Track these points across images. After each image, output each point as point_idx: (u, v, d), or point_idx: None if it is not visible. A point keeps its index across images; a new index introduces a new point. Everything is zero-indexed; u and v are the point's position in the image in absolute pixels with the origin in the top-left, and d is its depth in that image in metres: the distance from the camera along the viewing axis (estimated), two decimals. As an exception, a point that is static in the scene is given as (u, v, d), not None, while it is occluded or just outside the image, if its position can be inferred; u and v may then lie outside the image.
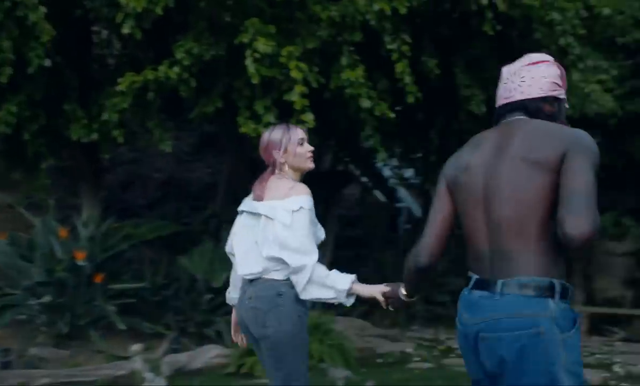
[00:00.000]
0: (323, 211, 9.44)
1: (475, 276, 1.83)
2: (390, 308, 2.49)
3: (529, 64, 1.91)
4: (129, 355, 5.98)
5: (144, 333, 6.40)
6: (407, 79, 4.75)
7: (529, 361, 1.66)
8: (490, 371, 1.75)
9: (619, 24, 6.86)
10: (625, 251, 10.06)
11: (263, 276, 2.56)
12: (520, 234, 1.73)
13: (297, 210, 2.52)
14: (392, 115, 4.96)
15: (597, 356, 7.64)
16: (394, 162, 11.18)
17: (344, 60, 4.69)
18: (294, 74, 4.34)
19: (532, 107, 1.87)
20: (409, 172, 10.00)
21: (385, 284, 2.51)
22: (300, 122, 4.61)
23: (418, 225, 11.92)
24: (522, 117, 1.88)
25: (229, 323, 6.67)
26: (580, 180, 1.66)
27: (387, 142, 6.31)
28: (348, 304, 2.58)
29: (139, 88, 4.78)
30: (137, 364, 5.60)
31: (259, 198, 2.62)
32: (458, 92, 5.42)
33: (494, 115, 1.99)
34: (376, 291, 2.51)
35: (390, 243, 11.06)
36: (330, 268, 2.60)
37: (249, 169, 8.37)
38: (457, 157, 1.97)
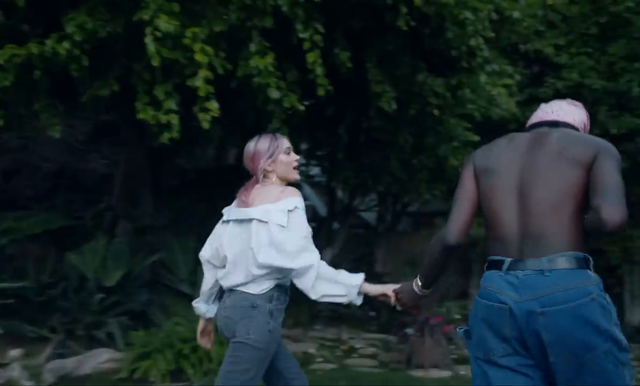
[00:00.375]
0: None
1: (508, 258, 1.98)
2: (399, 308, 2.55)
3: (567, 102, 2.33)
4: (6, 362, 5.41)
5: (25, 337, 5.84)
6: (319, 70, 4.56)
7: (592, 325, 1.85)
8: (547, 342, 1.88)
9: (523, 30, 7.07)
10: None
11: (240, 289, 2.58)
12: (556, 217, 1.96)
13: (292, 210, 2.54)
14: (302, 107, 4.76)
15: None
16: (300, 159, 11.05)
17: (252, 47, 4.43)
18: (199, 57, 4.02)
19: (562, 126, 2.18)
20: (314, 170, 9.86)
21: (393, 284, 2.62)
22: (203, 110, 4.31)
23: (323, 224, 11.92)
24: (545, 128, 2.18)
25: (122, 324, 6.23)
26: (613, 178, 1.91)
27: (295, 137, 6.11)
28: (358, 303, 2.62)
29: (22, 64, 4.27)
30: (15, 372, 5.07)
31: (245, 205, 2.63)
32: (369, 88, 5.31)
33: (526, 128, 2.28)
34: (386, 289, 2.61)
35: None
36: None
37: (147, 161, 7.91)
38: (489, 149, 2.20)
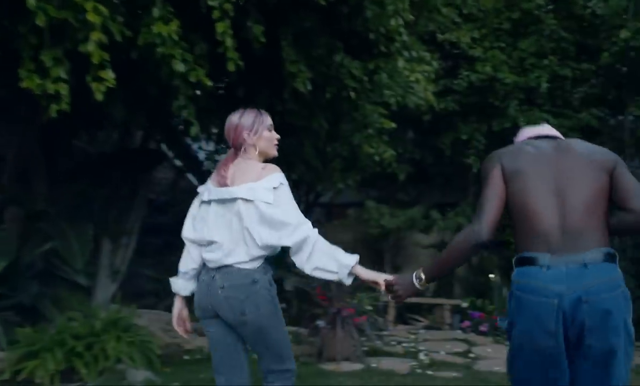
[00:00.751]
0: (130, 193, 8.58)
1: (547, 254, 2.14)
2: (390, 298, 2.58)
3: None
4: None
5: None
6: (228, 42, 4.20)
7: (621, 313, 2.10)
8: (583, 328, 2.08)
9: (441, 18, 7.02)
10: (431, 243, 10.55)
11: (239, 265, 2.61)
12: (590, 216, 2.18)
13: (278, 187, 2.58)
14: (210, 83, 4.38)
15: (404, 344, 7.79)
16: (211, 147, 10.60)
17: (155, 12, 4.00)
18: (91, 17, 3.55)
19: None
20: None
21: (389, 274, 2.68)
22: (97, 80, 3.85)
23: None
24: (550, 140, 2.43)
25: (6, 320, 5.58)
26: (638, 185, 2.24)
27: (204, 119, 5.72)
28: (347, 283, 2.65)
29: None
30: None
31: (224, 184, 2.65)
32: (283, 68, 5.00)
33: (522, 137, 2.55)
34: (378, 277, 2.64)
35: (203, 230, 10.46)
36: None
37: (41, 141, 7.23)
38: (514, 153, 2.35)
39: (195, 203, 2.82)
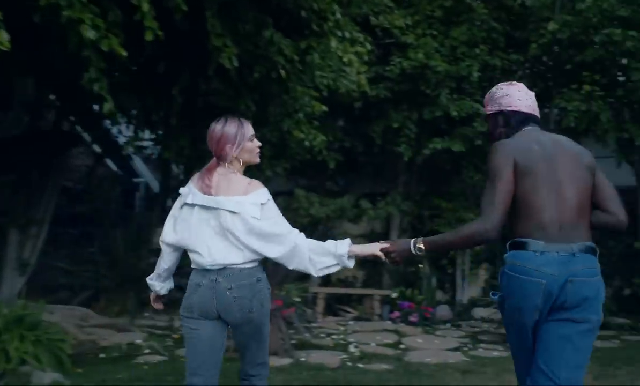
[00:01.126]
0: (40, 180, 7.92)
1: (539, 241, 2.42)
2: (389, 262, 2.84)
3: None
4: None
5: None
6: (145, 7, 3.78)
7: (598, 297, 2.48)
8: (566, 305, 2.43)
9: (375, 0, 6.79)
10: (360, 232, 10.41)
11: (240, 266, 2.73)
12: (582, 213, 2.51)
13: (265, 203, 2.74)
14: (124, 53, 3.94)
15: (334, 337, 7.58)
16: (130, 132, 10.01)
17: (60, -32, 3.53)
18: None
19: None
20: (147, 143, 8.88)
21: (381, 241, 2.89)
22: (-10, 43, 3.36)
23: (156, 202, 10.97)
24: (537, 127, 2.69)
25: None
26: (613, 188, 2.65)
27: (120, 97, 5.24)
28: (351, 266, 2.81)
29: None
30: None
31: (208, 192, 2.74)
32: (208, 42, 4.61)
33: (514, 117, 2.68)
34: (373, 249, 2.82)
35: (123, 220, 9.90)
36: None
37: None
38: (527, 149, 2.52)
39: (177, 204, 2.89)
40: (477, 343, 7.54)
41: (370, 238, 10.88)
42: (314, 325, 8.45)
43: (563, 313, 2.46)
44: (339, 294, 10.08)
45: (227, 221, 2.70)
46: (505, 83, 2.79)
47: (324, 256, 2.77)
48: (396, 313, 9.11)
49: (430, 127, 9.73)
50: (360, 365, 6.06)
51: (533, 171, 2.48)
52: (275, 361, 5.95)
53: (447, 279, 10.52)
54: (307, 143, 7.31)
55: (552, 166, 2.51)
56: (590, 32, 8.18)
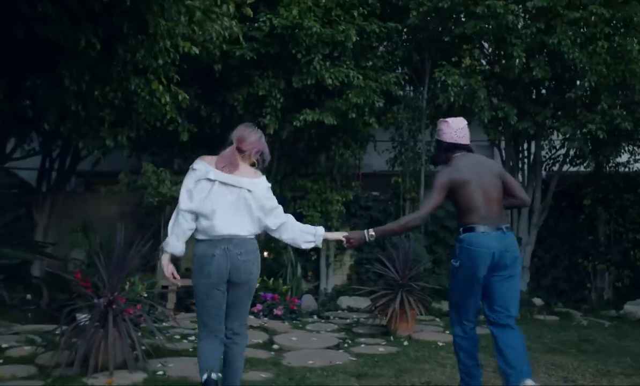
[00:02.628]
0: None
1: (482, 225, 3.77)
2: (346, 246, 4.00)
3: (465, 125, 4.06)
4: None
5: None
6: None
7: (519, 256, 3.93)
8: (503, 265, 3.79)
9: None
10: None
11: (249, 237, 3.55)
12: (500, 205, 3.89)
13: (268, 187, 3.67)
14: None
15: (191, 338, 6.34)
16: None
17: None
18: None
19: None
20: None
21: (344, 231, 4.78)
22: None
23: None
24: (465, 152, 3.98)
25: None
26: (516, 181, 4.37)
27: None
28: (319, 245, 3.87)
29: None
30: None
31: (230, 172, 3.51)
32: None
33: (444, 145, 3.97)
34: (339, 235, 4.04)
35: None
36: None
37: None
38: (460, 169, 3.86)
39: (191, 178, 3.52)
40: (356, 337, 6.73)
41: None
42: (165, 324, 7.09)
43: (504, 271, 3.80)
44: (190, 288, 8.74)
45: (246, 197, 3.50)
46: (441, 120, 4.06)
47: (307, 235, 3.76)
48: (258, 306, 8.02)
49: (299, 98, 8.78)
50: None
51: (469, 183, 3.81)
52: (123, 378, 4.61)
53: (310, 267, 9.66)
54: (162, 101, 5.99)
55: (478, 178, 3.84)
56: (471, 3, 7.72)
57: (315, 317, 8.20)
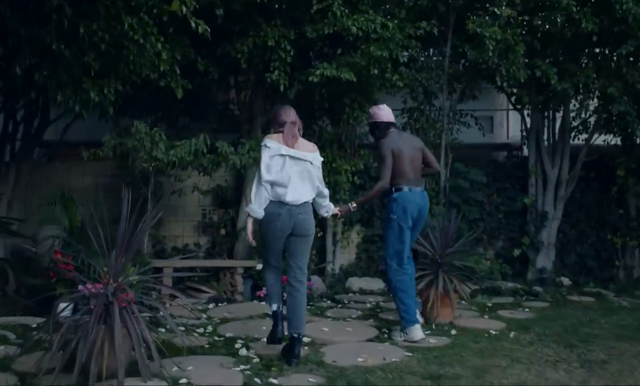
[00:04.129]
0: None
1: (409, 185, 5.13)
2: (339, 216, 5.13)
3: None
4: None
5: None
6: None
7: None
8: (422, 217, 5.29)
9: None
10: (212, 187, 8.04)
11: (308, 200, 4.32)
12: (420, 172, 5.33)
13: (321, 160, 4.49)
14: None
15: (200, 330, 5.27)
16: None
17: None
18: None
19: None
20: None
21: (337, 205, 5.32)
22: None
23: None
24: (396, 130, 5.40)
25: None
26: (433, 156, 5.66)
27: None
28: (329, 215, 4.83)
29: None
30: None
31: (294, 147, 4.26)
32: None
33: (383, 124, 5.29)
34: (336, 209, 4.88)
35: None
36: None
37: None
38: (396, 141, 5.17)
39: (267, 154, 4.22)
40: (390, 325, 5.77)
41: (219, 195, 8.57)
42: (161, 313, 5.99)
43: (419, 221, 5.29)
44: (181, 268, 7.65)
45: (310, 168, 4.32)
46: (374, 107, 5.52)
47: (326, 206, 4.65)
48: (264, 290, 6.98)
49: (307, 52, 7.69)
50: (273, 381, 3.87)
51: (401, 154, 5.14)
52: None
53: (314, 245, 8.60)
54: (159, 46, 4.88)
55: (408, 150, 5.21)
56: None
57: (329, 302, 7.21)
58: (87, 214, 4.54)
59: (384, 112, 5.31)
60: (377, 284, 8.16)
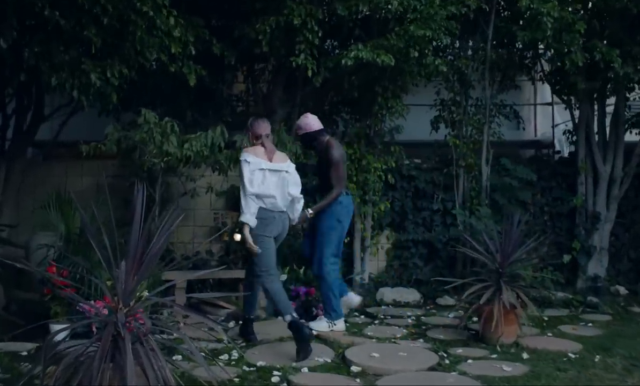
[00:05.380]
0: None
1: (347, 190, 5.36)
2: (294, 224, 5.06)
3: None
4: None
5: None
6: None
7: None
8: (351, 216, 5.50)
9: None
10: (226, 188, 7.11)
11: (285, 210, 4.78)
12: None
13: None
14: None
15: (225, 356, 4.38)
16: None
17: None
18: None
19: None
20: None
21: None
22: None
23: None
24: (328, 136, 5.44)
25: None
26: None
27: None
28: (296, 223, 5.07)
29: None
30: None
31: (271, 160, 4.72)
32: None
33: (316, 133, 5.29)
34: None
35: None
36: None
37: None
38: (341, 149, 5.29)
39: (249, 169, 4.59)
40: (446, 347, 4.89)
41: (234, 196, 7.66)
42: (174, 335, 5.11)
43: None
44: (193, 281, 6.75)
45: (285, 177, 4.73)
46: (302, 118, 5.37)
47: (298, 211, 4.92)
48: (293, 304, 6.10)
49: (333, 35, 6.83)
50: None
51: (343, 159, 5.25)
52: None
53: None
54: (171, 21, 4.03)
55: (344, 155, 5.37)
56: None
57: (362, 317, 6.32)
58: (88, 218, 3.65)
59: (313, 121, 5.28)
60: (412, 295, 7.28)
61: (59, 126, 8.11)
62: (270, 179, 4.60)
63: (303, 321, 4.57)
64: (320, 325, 5.23)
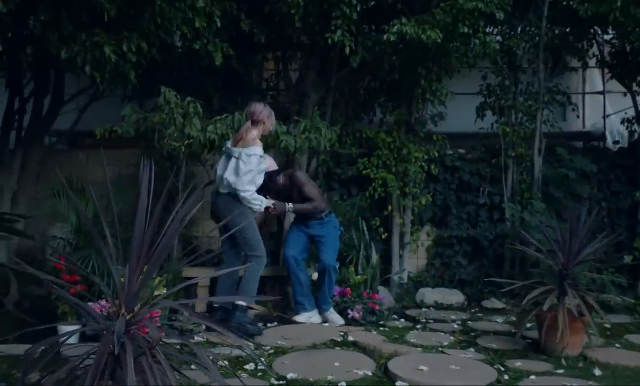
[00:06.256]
0: None
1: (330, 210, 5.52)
2: (272, 212, 5.15)
3: None
4: None
5: None
6: None
7: None
8: None
9: None
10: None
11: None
12: None
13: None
14: None
15: (261, 368, 3.84)
16: None
17: None
18: None
19: None
20: None
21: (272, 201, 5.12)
22: None
23: None
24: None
25: None
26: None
27: None
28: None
29: None
30: None
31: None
32: None
33: (275, 171, 5.20)
34: (269, 202, 5.00)
35: None
36: None
37: None
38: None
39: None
40: (502, 358, 4.28)
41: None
42: (196, 339, 4.60)
43: None
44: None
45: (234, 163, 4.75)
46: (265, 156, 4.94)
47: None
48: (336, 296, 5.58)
49: (371, 13, 6.23)
50: None
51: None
52: None
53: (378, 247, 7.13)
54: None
55: None
56: None
57: (402, 320, 5.73)
58: (101, 209, 3.14)
59: (271, 161, 5.23)
60: (455, 296, 6.66)
61: (80, 111, 7.70)
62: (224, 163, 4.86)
63: (251, 325, 4.74)
64: (331, 315, 5.36)
